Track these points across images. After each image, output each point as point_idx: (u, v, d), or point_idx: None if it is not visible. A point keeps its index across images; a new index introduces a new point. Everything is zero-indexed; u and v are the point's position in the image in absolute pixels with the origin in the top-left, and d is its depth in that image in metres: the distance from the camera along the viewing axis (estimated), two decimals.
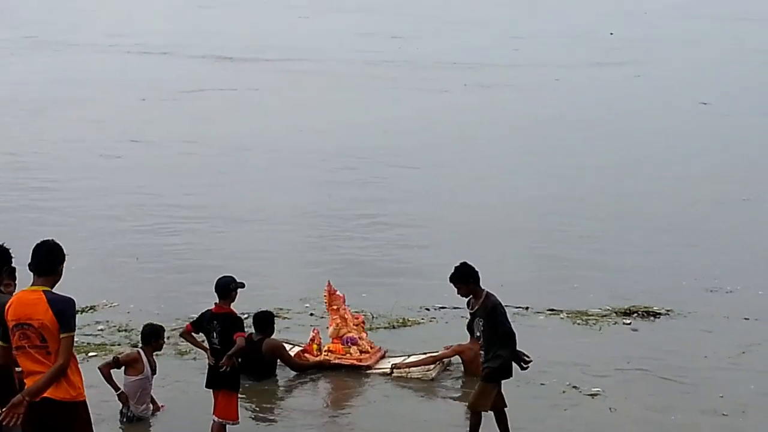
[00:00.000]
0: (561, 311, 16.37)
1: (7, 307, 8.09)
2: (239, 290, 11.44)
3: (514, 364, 10.98)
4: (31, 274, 8.00)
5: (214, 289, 11.42)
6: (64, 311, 7.78)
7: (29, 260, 8.03)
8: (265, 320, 14.32)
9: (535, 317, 16.03)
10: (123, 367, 12.26)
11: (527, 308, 16.39)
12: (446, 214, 22.92)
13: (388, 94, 39.05)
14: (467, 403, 10.85)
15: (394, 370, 14.12)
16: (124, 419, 12.08)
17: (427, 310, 16.33)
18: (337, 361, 14.47)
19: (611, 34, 57.52)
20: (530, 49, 52.01)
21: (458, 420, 12.50)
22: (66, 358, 7.73)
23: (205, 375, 11.63)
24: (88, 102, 35.60)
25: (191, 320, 12.23)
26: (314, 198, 24.03)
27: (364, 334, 14.97)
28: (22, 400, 7.72)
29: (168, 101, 36.99)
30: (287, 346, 14.55)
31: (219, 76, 42.50)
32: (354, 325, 14.87)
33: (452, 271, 10.87)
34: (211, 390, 11.50)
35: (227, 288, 11.39)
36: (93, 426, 8.17)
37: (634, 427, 12.46)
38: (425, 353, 14.45)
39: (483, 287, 10.77)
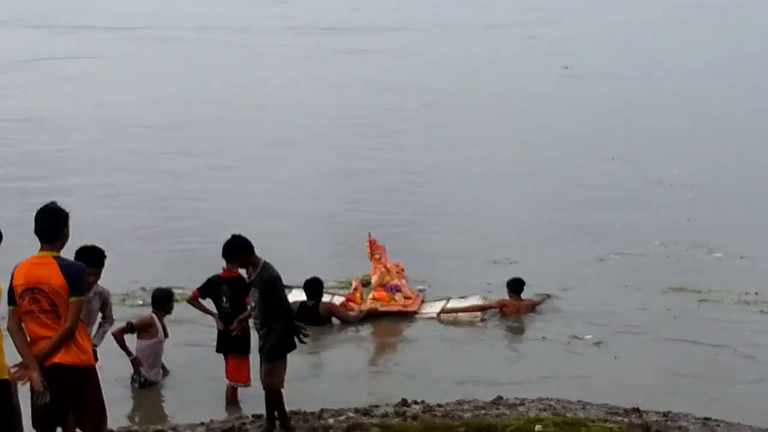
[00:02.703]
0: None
1: (15, 272, 7.75)
2: None
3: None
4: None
5: (222, 254, 10.76)
6: (77, 276, 7.49)
7: (33, 227, 7.64)
8: (315, 286, 14.49)
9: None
10: (136, 332, 11.73)
11: None
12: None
13: (240, 63, 36.63)
14: (263, 386, 9.83)
15: (442, 315, 14.64)
16: (136, 384, 11.56)
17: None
18: (384, 308, 14.71)
19: None
20: (426, 12, 49.20)
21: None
22: (73, 322, 7.44)
23: (215, 339, 11.23)
24: None
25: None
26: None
27: (404, 281, 15.22)
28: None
29: None
30: (328, 297, 14.90)
31: (72, 46, 39.04)
32: (395, 273, 15.17)
33: (223, 246, 10.07)
34: (221, 354, 11.14)
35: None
36: (102, 390, 8.21)
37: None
38: (462, 296, 15.10)
39: (260, 257, 9.86)
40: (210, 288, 11.10)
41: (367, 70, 36.12)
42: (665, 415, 10.56)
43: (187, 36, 42.32)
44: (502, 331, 14.32)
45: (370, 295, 15.01)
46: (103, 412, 7.86)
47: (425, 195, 21.44)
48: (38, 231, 7.68)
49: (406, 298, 15.04)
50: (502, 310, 14.84)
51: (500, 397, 10.97)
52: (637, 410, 10.63)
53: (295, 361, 11.98)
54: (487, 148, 25.44)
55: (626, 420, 10.17)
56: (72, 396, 7.56)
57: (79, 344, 7.54)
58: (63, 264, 7.51)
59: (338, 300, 15.02)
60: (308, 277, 14.61)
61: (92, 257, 8.64)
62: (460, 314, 14.76)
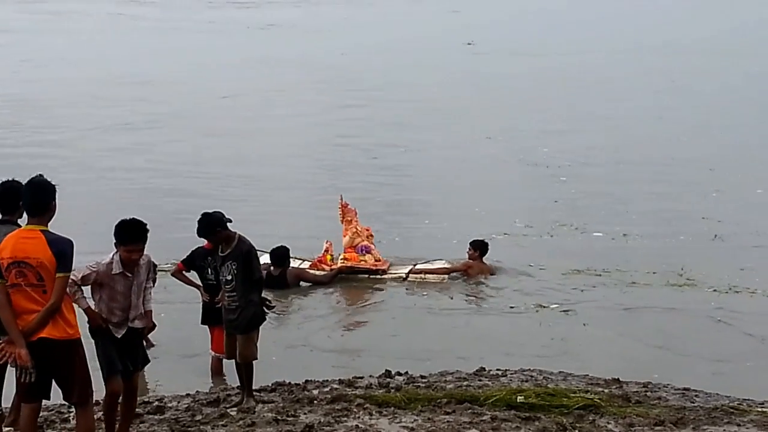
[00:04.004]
0: None
1: (2, 245, 7.43)
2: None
3: None
4: None
5: (197, 233, 10.01)
6: (64, 252, 7.29)
7: (21, 200, 7.49)
8: (282, 255, 14.48)
9: None
10: None
11: None
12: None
13: (141, 38, 37.06)
14: (238, 360, 9.60)
15: (410, 275, 14.87)
16: None
17: None
18: (355, 265, 14.92)
19: None
20: None
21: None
22: (58, 298, 7.29)
23: (200, 312, 10.97)
24: None
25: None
26: None
27: (373, 245, 15.40)
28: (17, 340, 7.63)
29: None
30: (298, 261, 14.99)
31: None
32: (366, 236, 15.37)
33: (197, 226, 9.67)
34: (206, 327, 10.94)
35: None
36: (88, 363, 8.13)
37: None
38: (427, 261, 15.28)
39: (234, 231, 9.63)
40: (194, 260, 10.94)
41: (274, 47, 35.96)
42: (645, 385, 10.52)
43: (87, 9, 41.80)
44: (471, 301, 14.39)
45: (341, 256, 15.14)
46: (89, 385, 7.80)
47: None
48: (26, 204, 7.55)
49: (376, 260, 15.20)
50: (467, 272, 15.06)
51: (483, 368, 10.87)
52: (617, 381, 10.56)
53: (276, 333, 12.05)
54: (371, 125, 25.42)
55: (607, 391, 10.11)
56: (59, 370, 7.51)
57: (65, 318, 7.42)
58: (51, 239, 7.36)
59: (306, 265, 15.13)
60: (275, 246, 14.67)
61: (136, 232, 8.06)
62: (427, 276, 14.95)
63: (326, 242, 15.32)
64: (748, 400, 10.11)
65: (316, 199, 19.16)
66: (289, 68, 32.98)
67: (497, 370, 10.86)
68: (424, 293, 14.45)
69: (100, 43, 36.72)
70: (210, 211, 9.69)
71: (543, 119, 26.49)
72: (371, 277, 15.06)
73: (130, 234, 8.01)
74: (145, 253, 8.19)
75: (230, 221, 9.62)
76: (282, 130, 25.47)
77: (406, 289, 14.69)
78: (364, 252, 15.12)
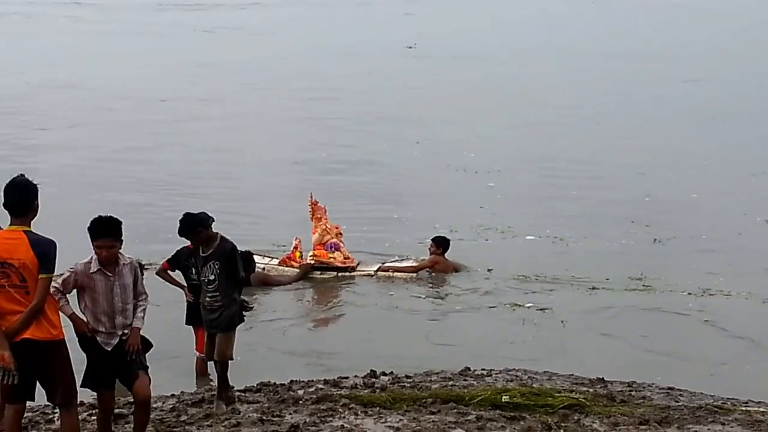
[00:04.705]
0: None
1: None
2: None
3: None
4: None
5: (179, 233, 9.97)
6: (47, 252, 7.23)
7: (2, 201, 7.38)
8: (245, 261, 14.84)
9: None
10: None
11: None
12: None
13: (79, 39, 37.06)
14: (216, 358, 9.53)
15: (379, 272, 15.01)
16: None
17: None
18: (325, 261, 15.05)
19: None
20: None
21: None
22: (40, 299, 7.25)
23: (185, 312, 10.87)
24: None
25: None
26: None
27: (342, 243, 15.43)
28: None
29: None
30: (267, 259, 14.98)
31: None
32: (335, 233, 15.42)
33: (178, 225, 9.57)
34: (191, 327, 10.87)
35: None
36: (72, 364, 8.02)
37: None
38: (394, 260, 15.50)
39: (216, 231, 9.55)
40: (179, 260, 10.92)
41: (216, 50, 35.95)
42: (630, 385, 10.52)
43: (32, 11, 41.74)
44: (446, 301, 14.37)
45: (310, 253, 15.18)
46: (73, 385, 7.74)
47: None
48: (8, 205, 7.45)
49: (344, 258, 15.29)
50: (434, 267, 15.23)
51: (468, 368, 10.82)
52: (602, 380, 10.58)
53: (245, 334, 11.92)
54: (297, 131, 25.16)
55: (591, 390, 10.12)
56: (43, 371, 7.47)
57: (49, 319, 7.37)
58: (33, 239, 7.30)
59: (275, 262, 15.16)
60: (240, 251, 14.60)
61: (105, 227, 7.81)
62: (395, 274, 15.11)
63: (295, 239, 15.35)
64: (733, 399, 10.14)
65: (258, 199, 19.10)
66: (226, 71, 32.83)
67: (482, 369, 10.84)
68: (391, 293, 14.41)
69: (40, 46, 36.62)
70: (194, 211, 9.57)
71: (474, 124, 26.25)
72: (340, 274, 15.03)
73: (99, 229, 7.78)
74: (127, 255, 8.01)
75: (213, 220, 9.49)
76: (209, 134, 25.14)
77: (377, 287, 14.71)
78: (333, 249, 15.22)
